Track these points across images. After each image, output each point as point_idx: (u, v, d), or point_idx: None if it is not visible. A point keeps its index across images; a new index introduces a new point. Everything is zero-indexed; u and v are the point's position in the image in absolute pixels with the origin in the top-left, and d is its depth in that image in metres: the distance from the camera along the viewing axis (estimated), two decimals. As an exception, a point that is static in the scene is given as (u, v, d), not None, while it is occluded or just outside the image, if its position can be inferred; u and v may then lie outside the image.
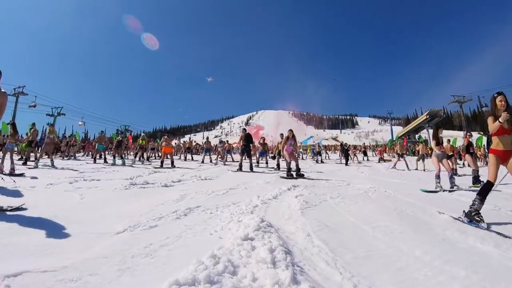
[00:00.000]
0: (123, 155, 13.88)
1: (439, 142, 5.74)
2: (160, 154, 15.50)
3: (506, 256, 2.00)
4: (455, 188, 5.43)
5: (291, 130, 7.85)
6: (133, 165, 11.01)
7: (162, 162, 10.34)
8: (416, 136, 43.28)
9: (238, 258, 1.70)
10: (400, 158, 11.93)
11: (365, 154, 20.79)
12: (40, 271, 1.49)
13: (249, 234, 2.12)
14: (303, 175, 7.30)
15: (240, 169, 9.00)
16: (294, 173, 7.25)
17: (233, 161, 15.34)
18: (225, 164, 12.66)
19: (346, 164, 14.11)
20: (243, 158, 9.59)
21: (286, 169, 7.46)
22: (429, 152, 14.35)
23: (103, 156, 11.94)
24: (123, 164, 10.69)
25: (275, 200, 4.02)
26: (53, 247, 1.86)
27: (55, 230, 2.21)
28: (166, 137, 11.99)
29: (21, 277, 1.42)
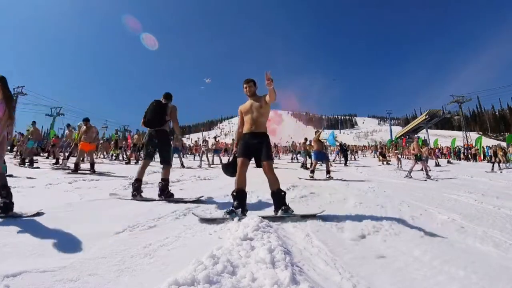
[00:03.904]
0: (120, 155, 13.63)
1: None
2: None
3: (505, 256, 2.01)
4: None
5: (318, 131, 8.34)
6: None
7: (77, 165, 6.80)
8: (415, 136, 43.28)
9: (237, 258, 1.70)
10: (418, 162, 8.89)
11: (383, 156, 16.44)
12: (39, 271, 1.48)
13: (248, 234, 2.11)
14: (332, 177, 7.28)
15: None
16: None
17: (221, 163, 12.77)
18: (209, 167, 10.81)
19: (345, 164, 14.12)
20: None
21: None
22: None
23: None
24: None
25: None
26: (52, 247, 1.86)
27: (54, 230, 2.21)
28: (84, 125, 7.46)
29: (20, 277, 1.42)
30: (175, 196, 3.80)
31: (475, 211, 3.53)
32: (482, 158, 20.86)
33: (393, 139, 42.67)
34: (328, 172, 7.50)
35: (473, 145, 24.36)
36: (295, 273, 1.54)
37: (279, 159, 18.45)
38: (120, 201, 3.63)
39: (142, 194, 3.74)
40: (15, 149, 13.60)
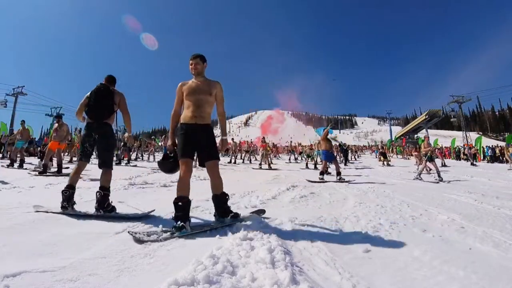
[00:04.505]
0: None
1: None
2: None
3: (505, 256, 2.01)
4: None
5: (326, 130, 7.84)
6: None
7: (45, 166, 6.50)
8: (415, 136, 43.32)
9: (237, 258, 1.70)
10: (429, 162, 8.16)
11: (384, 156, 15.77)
12: (39, 271, 1.48)
13: (248, 234, 2.12)
14: (343, 179, 6.74)
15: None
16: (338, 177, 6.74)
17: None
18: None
19: (345, 164, 14.10)
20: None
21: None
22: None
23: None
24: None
25: (274, 200, 4.02)
26: (52, 247, 1.85)
27: (54, 230, 2.20)
28: (56, 122, 7.35)
29: (20, 277, 1.42)
30: (130, 207, 3.12)
31: (475, 211, 3.53)
32: (481, 158, 20.85)
33: (393, 139, 42.66)
34: (338, 173, 6.88)
35: (473, 145, 24.35)
36: (295, 273, 1.54)
37: (278, 159, 18.46)
38: (120, 201, 3.50)
39: (75, 206, 2.87)
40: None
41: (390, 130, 55.06)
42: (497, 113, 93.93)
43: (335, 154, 8.59)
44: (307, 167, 11.47)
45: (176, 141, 2.56)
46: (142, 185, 5.19)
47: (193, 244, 2.07)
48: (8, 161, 8.59)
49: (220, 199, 2.57)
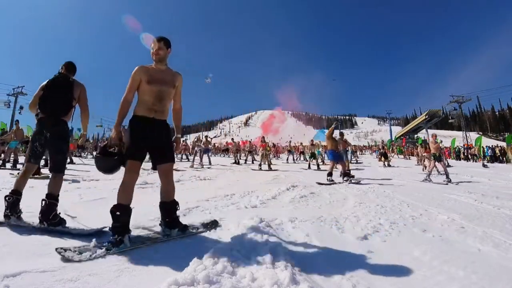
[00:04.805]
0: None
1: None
2: None
3: (505, 256, 2.01)
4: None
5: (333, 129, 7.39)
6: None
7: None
8: (415, 136, 43.34)
9: (237, 259, 1.70)
10: (438, 162, 7.82)
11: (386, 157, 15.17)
12: (39, 271, 1.48)
13: (248, 234, 2.12)
14: (351, 178, 6.49)
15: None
16: (347, 178, 6.46)
17: (210, 164, 11.78)
18: (202, 167, 10.39)
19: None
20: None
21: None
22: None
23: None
24: None
25: (274, 200, 4.02)
26: (52, 247, 1.85)
27: (54, 230, 2.20)
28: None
29: (20, 277, 1.42)
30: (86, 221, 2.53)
31: (475, 211, 3.53)
32: (482, 158, 20.84)
33: (393, 139, 42.68)
34: (345, 174, 6.61)
35: (473, 145, 24.35)
36: (295, 273, 1.54)
37: (277, 159, 18.45)
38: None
39: (22, 215, 2.39)
40: None
41: (390, 130, 55.03)
42: (497, 113, 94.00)
43: (343, 151, 8.03)
44: (309, 167, 11.30)
45: (123, 135, 2.14)
46: (142, 185, 5.19)
47: (193, 244, 2.05)
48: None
49: (169, 207, 2.22)
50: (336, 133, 8.11)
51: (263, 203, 3.69)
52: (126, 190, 2.01)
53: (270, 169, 10.04)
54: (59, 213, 2.38)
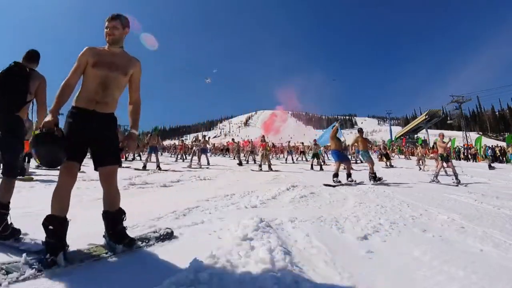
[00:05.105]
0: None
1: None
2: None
3: (505, 256, 2.01)
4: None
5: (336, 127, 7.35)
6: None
7: (23, 169, 5.68)
8: (415, 136, 43.34)
9: (237, 259, 1.70)
10: (446, 163, 7.37)
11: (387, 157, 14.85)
12: (38, 272, 1.47)
13: (248, 234, 2.11)
14: (351, 181, 6.25)
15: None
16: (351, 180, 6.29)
17: (208, 164, 11.48)
18: (201, 167, 10.22)
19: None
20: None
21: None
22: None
23: None
24: None
25: (274, 200, 4.02)
26: (52, 248, 1.84)
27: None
28: None
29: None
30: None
31: (475, 211, 3.53)
32: (488, 159, 20.79)
33: (393, 139, 42.67)
34: (349, 175, 6.44)
35: (473, 145, 24.34)
36: (295, 273, 1.54)
37: (277, 159, 18.44)
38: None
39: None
40: None
41: (390, 130, 55.03)
42: (497, 113, 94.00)
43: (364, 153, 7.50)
44: (312, 168, 11.17)
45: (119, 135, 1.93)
46: (142, 185, 5.19)
47: (193, 244, 2.05)
48: None
49: (114, 218, 1.88)
50: (339, 133, 7.86)
51: (263, 203, 3.69)
52: (59, 197, 1.66)
53: (270, 169, 9.99)
54: (11, 223, 2.02)
